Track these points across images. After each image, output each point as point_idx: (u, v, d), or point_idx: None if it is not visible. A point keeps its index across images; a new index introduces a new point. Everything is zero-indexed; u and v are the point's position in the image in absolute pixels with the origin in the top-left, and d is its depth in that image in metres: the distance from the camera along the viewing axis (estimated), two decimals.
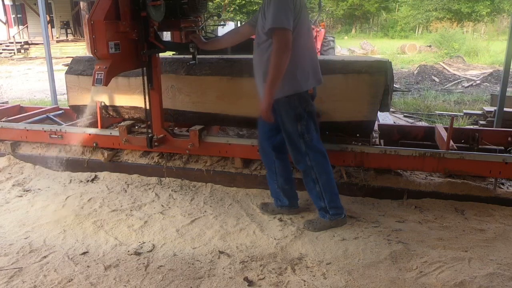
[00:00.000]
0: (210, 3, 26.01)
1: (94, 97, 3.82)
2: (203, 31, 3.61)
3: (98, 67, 2.84)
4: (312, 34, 2.73)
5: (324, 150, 2.78)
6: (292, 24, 2.42)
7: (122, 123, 3.63)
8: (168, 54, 3.59)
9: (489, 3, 24.96)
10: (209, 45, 3.18)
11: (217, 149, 3.52)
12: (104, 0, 2.81)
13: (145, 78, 3.16)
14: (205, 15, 3.44)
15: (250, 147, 3.40)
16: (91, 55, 3.14)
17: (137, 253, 2.57)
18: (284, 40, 2.40)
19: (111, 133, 3.73)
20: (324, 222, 2.81)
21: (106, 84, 2.81)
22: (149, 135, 3.33)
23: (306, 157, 2.71)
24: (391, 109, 6.14)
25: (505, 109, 4.82)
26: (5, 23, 21.27)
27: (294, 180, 3.07)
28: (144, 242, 2.70)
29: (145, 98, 3.20)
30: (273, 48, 2.43)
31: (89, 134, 3.78)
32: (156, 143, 3.33)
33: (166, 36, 4.52)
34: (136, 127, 3.64)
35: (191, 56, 3.28)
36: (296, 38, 2.49)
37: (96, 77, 2.82)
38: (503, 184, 3.34)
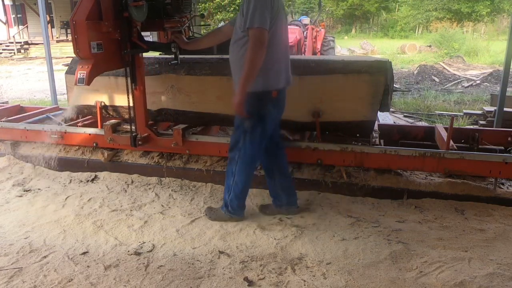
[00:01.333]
0: (211, 3, 26.10)
1: (77, 98, 3.89)
2: (190, 32, 3.61)
3: (81, 66, 2.88)
4: (286, 35, 2.77)
5: (255, 155, 2.81)
6: (268, 24, 2.47)
7: (107, 122, 3.66)
8: (152, 54, 3.62)
9: (489, 3, 24.96)
10: (191, 45, 3.22)
11: (201, 148, 3.54)
12: (86, 1, 2.85)
13: (129, 78, 3.20)
14: (191, 14, 3.44)
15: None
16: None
17: (137, 253, 2.57)
18: (260, 38, 2.45)
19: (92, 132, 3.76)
20: (221, 213, 2.93)
21: (88, 83, 2.85)
22: (133, 134, 3.37)
23: (238, 151, 2.78)
24: (391, 109, 6.14)
25: (505, 109, 4.82)
26: (5, 23, 21.27)
27: (292, 177, 3.07)
28: (144, 242, 2.70)
29: (128, 98, 3.25)
30: (249, 46, 2.48)
31: (89, 134, 3.78)
32: (140, 142, 3.38)
33: (153, 36, 4.50)
34: (121, 126, 3.67)
35: (173, 56, 3.33)
36: (271, 38, 2.53)
37: (78, 76, 2.86)
38: (503, 184, 3.34)
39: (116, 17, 2.95)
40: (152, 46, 3.34)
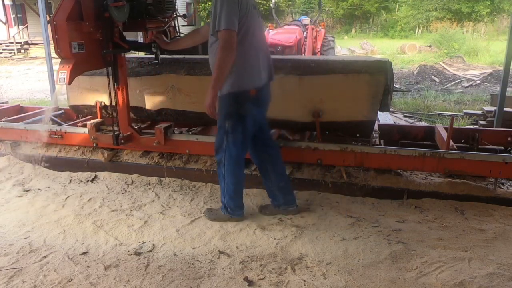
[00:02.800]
0: (210, 3, 26.10)
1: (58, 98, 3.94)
2: (176, 32, 3.63)
3: (62, 66, 2.92)
4: (261, 34, 2.77)
5: (241, 155, 2.82)
6: (237, 24, 2.48)
7: (91, 121, 3.70)
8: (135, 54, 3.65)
9: (489, 3, 24.94)
10: (171, 45, 3.26)
11: (183, 146, 3.56)
12: (67, 1, 2.88)
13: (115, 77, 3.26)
14: (174, 15, 3.46)
15: None
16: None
17: (137, 253, 2.57)
18: (228, 41, 2.46)
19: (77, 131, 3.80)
20: (221, 214, 2.94)
21: (69, 83, 2.90)
22: (115, 133, 3.40)
23: (223, 152, 2.80)
24: (391, 109, 6.14)
25: (505, 109, 4.82)
26: (5, 23, 21.27)
27: (289, 177, 3.07)
28: (144, 242, 2.70)
29: (110, 97, 3.30)
30: (218, 48, 2.50)
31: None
32: (122, 141, 3.42)
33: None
34: (105, 125, 3.69)
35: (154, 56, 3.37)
36: (241, 39, 2.55)
37: (59, 76, 2.91)
38: (503, 184, 3.34)
39: (97, 18, 3.00)
40: (133, 46, 3.39)
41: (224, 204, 2.92)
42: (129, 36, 3.37)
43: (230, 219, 2.93)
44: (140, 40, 4.19)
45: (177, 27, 3.66)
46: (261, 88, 2.73)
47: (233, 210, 2.92)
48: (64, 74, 2.88)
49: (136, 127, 3.60)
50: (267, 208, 3.09)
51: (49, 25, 3.26)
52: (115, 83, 3.27)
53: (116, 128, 3.44)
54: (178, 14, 3.54)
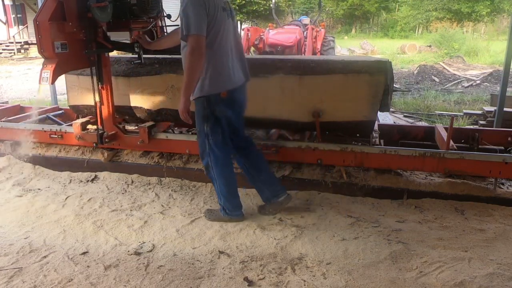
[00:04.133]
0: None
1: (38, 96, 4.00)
2: (164, 32, 3.64)
3: (45, 66, 2.96)
4: (233, 36, 2.77)
5: (225, 156, 2.84)
6: (205, 29, 2.50)
7: (77, 121, 3.73)
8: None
9: (489, 3, 24.95)
10: (153, 45, 3.29)
11: (167, 145, 3.59)
12: (50, 2, 2.92)
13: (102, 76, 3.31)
14: (159, 15, 3.47)
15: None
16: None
17: (137, 253, 2.57)
18: (196, 45, 2.48)
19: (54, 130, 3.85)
20: (220, 216, 2.95)
21: (52, 82, 2.94)
22: (100, 132, 3.44)
23: (208, 156, 2.83)
24: (391, 109, 6.14)
25: (505, 109, 4.82)
26: (5, 23, 21.25)
27: (270, 169, 3.10)
28: (144, 242, 2.70)
29: (94, 96, 3.33)
30: (186, 53, 2.53)
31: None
32: (106, 140, 3.46)
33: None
34: (91, 124, 3.72)
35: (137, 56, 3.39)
36: (210, 42, 2.57)
37: (42, 75, 2.95)
38: (503, 184, 3.34)
39: (81, 18, 3.03)
40: (117, 46, 3.41)
41: (222, 206, 2.93)
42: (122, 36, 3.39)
43: (230, 220, 2.93)
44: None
45: (164, 27, 3.68)
46: (233, 90, 2.74)
47: (231, 211, 2.92)
48: (48, 73, 2.93)
49: (121, 126, 3.65)
50: (265, 208, 3.10)
51: None
52: (99, 83, 3.33)
53: (100, 127, 3.50)
54: (164, 14, 3.56)
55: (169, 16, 3.61)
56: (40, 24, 2.90)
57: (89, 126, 3.69)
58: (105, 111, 3.46)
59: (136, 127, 3.73)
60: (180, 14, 2.56)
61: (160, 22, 3.62)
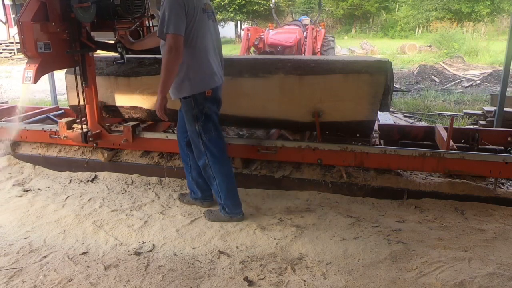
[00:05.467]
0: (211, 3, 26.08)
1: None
2: (151, 32, 3.67)
3: (28, 65, 3.00)
4: (214, 36, 2.81)
5: (221, 152, 2.88)
6: (183, 29, 2.53)
7: (62, 120, 3.76)
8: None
9: (489, 3, 24.93)
10: (135, 45, 3.33)
11: (150, 144, 3.63)
12: (33, 2, 2.96)
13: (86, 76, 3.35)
14: (144, 15, 3.49)
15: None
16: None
17: (137, 253, 2.57)
18: (174, 45, 2.51)
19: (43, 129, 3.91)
20: (220, 215, 2.97)
21: (35, 82, 2.98)
22: (84, 131, 3.48)
23: (204, 155, 2.85)
24: (391, 109, 6.13)
25: (505, 109, 4.82)
26: (5, 23, 21.24)
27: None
28: (144, 242, 2.70)
29: (78, 96, 3.38)
30: (164, 52, 2.56)
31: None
32: (91, 138, 3.50)
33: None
34: (76, 124, 3.75)
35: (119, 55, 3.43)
36: (192, 42, 2.62)
37: (25, 75, 2.99)
38: (503, 184, 3.34)
39: (64, 18, 3.07)
40: (100, 46, 3.44)
41: (222, 204, 2.94)
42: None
43: (230, 219, 2.94)
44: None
45: (151, 27, 3.70)
46: (216, 89, 2.81)
47: (231, 209, 2.93)
48: (30, 73, 2.97)
49: (106, 126, 3.69)
50: (185, 196, 3.24)
51: None
52: (84, 82, 3.36)
53: (85, 126, 3.54)
54: (149, 14, 3.58)
55: (153, 17, 3.65)
56: (23, 24, 2.95)
57: (75, 125, 3.72)
58: (89, 110, 3.51)
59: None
60: (159, 14, 2.60)
61: (147, 22, 3.67)
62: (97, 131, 3.57)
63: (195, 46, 2.64)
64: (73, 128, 3.69)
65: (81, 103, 3.44)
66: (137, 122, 3.69)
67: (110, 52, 3.52)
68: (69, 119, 3.79)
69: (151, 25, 3.71)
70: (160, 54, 2.98)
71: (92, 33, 3.36)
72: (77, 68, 3.33)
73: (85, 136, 3.49)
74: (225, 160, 2.92)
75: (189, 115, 2.78)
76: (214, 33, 2.82)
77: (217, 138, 2.84)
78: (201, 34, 2.66)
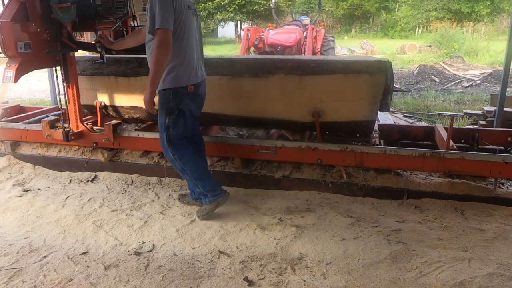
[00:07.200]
0: (210, 3, 26.07)
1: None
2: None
3: (8, 65, 3.04)
4: (196, 32, 2.86)
5: (187, 147, 2.91)
6: (172, 24, 2.58)
7: (46, 119, 3.80)
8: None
9: (489, 3, 24.93)
10: (115, 45, 3.36)
11: (131, 143, 3.68)
12: (13, 3, 3.00)
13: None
14: (126, 16, 3.51)
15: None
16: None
17: (137, 253, 2.57)
18: (164, 39, 2.56)
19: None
20: (207, 206, 2.99)
21: (15, 81, 3.03)
22: (66, 130, 3.53)
23: (168, 150, 2.89)
24: (391, 109, 6.13)
25: (505, 109, 4.82)
26: None
27: (207, 167, 3.17)
28: (144, 242, 2.70)
29: (59, 96, 3.41)
30: (154, 46, 2.60)
31: None
32: (72, 137, 3.54)
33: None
34: (59, 123, 3.77)
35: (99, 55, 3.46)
36: (178, 37, 2.67)
37: (5, 74, 3.04)
38: (503, 184, 3.34)
39: (44, 18, 3.10)
40: (81, 46, 3.47)
41: (203, 193, 2.97)
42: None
43: (218, 203, 2.97)
44: None
45: (136, 27, 3.73)
46: (198, 85, 2.85)
47: (214, 191, 2.96)
48: (11, 72, 3.01)
49: (88, 125, 3.74)
50: (185, 197, 3.24)
51: None
52: (66, 82, 3.40)
53: (67, 125, 3.58)
54: (132, 14, 3.64)
55: (134, 17, 3.68)
56: (2, 25, 2.98)
57: (58, 124, 3.76)
58: (71, 109, 3.56)
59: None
60: (146, 10, 2.62)
61: (132, 22, 3.70)
62: (79, 130, 3.63)
63: (181, 42, 2.70)
64: (56, 127, 3.74)
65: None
66: (118, 121, 3.74)
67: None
68: (52, 118, 3.84)
69: (135, 25, 3.74)
70: (142, 53, 3.03)
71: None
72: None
73: (66, 135, 3.54)
74: (189, 149, 2.93)
75: (164, 107, 2.81)
76: (197, 30, 2.89)
77: (182, 136, 2.87)
78: (187, 30, 2.72)
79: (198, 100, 2.92)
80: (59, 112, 4.58)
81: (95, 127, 3.82)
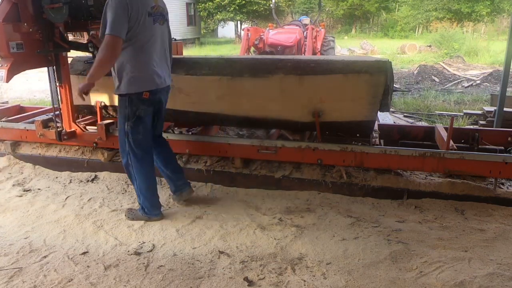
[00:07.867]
0: (211, 3, 26.07)
1: None
2: None
3: (0, 65, 3.05)
4: (160, 39, 2.84)
5: (145, 154, 2.90)
6: (124, 32, 2.57)
7: (38, 118, 3.82)
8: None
9: (489, 3, 24.92)
10: None
11: None
12: (5, 3, 3.02)
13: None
14: None
15: None
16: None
17: (137, 253, 2.57)
18: (110, 45, 2.55)
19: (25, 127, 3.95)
20: (139, 215, 3.00)
21: (7, 81, 3.04)
22: (58, 129, 3.54)
23: (127, 155, 2.90)
24: (391, 109, 6.13)
25: (505, 109, 4.82)
26: None
27: (177, 164, 3.23)
28: (144, 242, 2.70)
29: (52, 96, 3.44)
30: (100, 48, 2.60)
31: None
32: (65, 137, 3.56)
33: None
34: (52, 122, 3.79)
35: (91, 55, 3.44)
36: (135, 43, 2.68)
37: None
38: (503, 184, 3.34)
39: (36, 19, 3.11)
40: (73, 46, 3.48)
41: (141, 205, 2.97)
42: None
43: (149, 219, 2.98)
44: None
45: None
46: (155, 91, 2.82)
47: (150, 210, 2.97)
48: (3, 72, 3.02)
49: (81, 124, 3.74)
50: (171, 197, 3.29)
51: None
52: (58, 82, 3.41)
53: (59, 125, 3.58)
54: None
55: None
56: None
57: (51, 124, 3.77)
58: (64, 109, 3.56)
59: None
60: (102, 16, 2.63)
61: None
62: (72, 129, 3.64)
63: (136, 48, 2.69)
64: (49, 126, 3.75)
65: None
66: (111, 121, 3.73)
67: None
68: (45, 117, 3.85)
69: None
70: None
71: None
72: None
73: (59, 134, 3.55)
74: (148, 161, 2.94)
75: (121, 113, 2.83)
76: (161, 36, 2.85)
77: (143, 141, 2.87)
78: (145, 37, 2.70)
79: (156, 107, 2.90)
80: (60, 112, 4.63)
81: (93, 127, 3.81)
